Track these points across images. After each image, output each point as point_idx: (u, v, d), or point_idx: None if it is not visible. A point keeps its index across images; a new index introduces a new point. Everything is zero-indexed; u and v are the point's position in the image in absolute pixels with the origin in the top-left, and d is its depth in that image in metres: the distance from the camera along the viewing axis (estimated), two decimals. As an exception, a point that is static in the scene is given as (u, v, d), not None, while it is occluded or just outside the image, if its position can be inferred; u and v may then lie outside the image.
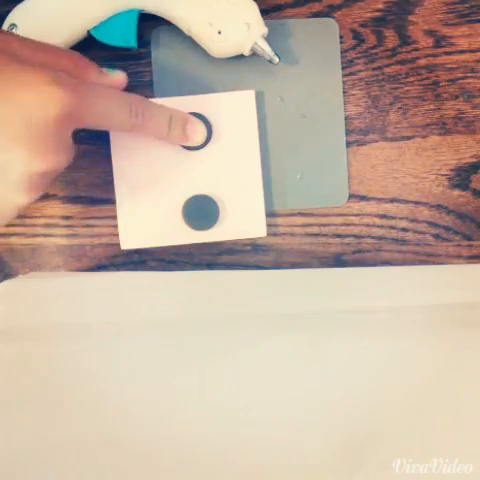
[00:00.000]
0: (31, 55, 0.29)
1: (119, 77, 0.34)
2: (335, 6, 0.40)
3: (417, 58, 0.40)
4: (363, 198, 0.41)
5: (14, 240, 0.41)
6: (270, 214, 0.40)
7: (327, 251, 0.41)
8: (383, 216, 0.41)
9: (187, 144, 0.37)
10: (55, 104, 0.26)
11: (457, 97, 0.40)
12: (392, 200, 0.41)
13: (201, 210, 0.38)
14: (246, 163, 0.39)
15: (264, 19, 0.37)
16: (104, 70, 0.34)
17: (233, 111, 0.38)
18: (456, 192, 0.41)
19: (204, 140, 0.37)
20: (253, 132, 0.39)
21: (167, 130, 0.35)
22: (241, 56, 0.38)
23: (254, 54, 0.38)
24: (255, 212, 0.39)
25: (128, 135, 0.38)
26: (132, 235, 0.39)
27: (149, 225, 0.39)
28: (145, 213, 0.39)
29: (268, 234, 0.39)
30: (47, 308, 0.35)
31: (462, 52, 0.40)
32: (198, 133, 0.37)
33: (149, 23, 0.38)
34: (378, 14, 0.40)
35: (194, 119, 0.37)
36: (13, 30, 0.35)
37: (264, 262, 0.41)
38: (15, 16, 0.36)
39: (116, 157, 0.38)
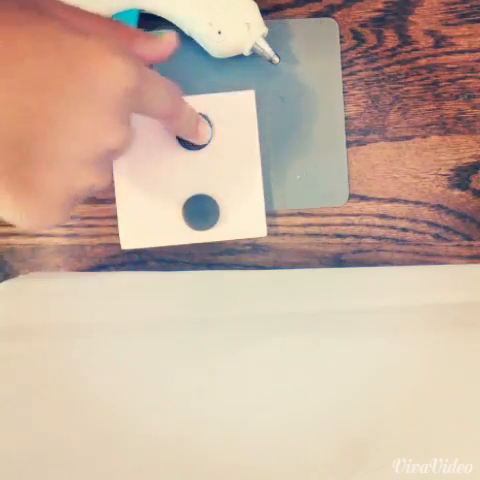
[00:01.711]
0: (78, 21, 0.25)
1: (171, 38, 0.29)
2: (335, 6, 0.40)
3: (417, 58, 0.40)
4: (363, 198, 0.41)
5: (14, 240, 0.41)
6: (270, 214, 0.40)
7: (327, 251, 0.41)
8: (383, 216, 0.41)
9: (195, 142, 0.37)
10: (123, 77, 0.24)
11: (457, 97, 0.40)
12: (392, 200, 0.41)
13: (201, 210, 0.38)
14: (246, 163, 0.39)
15: (264, 19, 0.37)
16: (152, 34, 0.29)
17: (233, 111, 0.38)
18: (456, 192, 0.41)
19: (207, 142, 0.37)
20: (253, 132, 0.39)
21: (186, 124, 0.33)
22: (241, 56, 0.38)
23: (254, 54, 0.38)
24: (255, 212, 0.39)
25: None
26: (132, 235, 0.39)
27: (149, 225, 0.39)
28: (145, 213, 0.38)
29: (268, 234, 0.39)
30: (47, 308, 0.35)
31: (462, 52, 0.40)
32: (206, 134, 0.37)
33: (149, 23, 0.38)
34: (378, 14, 0.40)
35: (204, 120, 0.37)
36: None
37: (264, 262, 0.41)
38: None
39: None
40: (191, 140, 0.37)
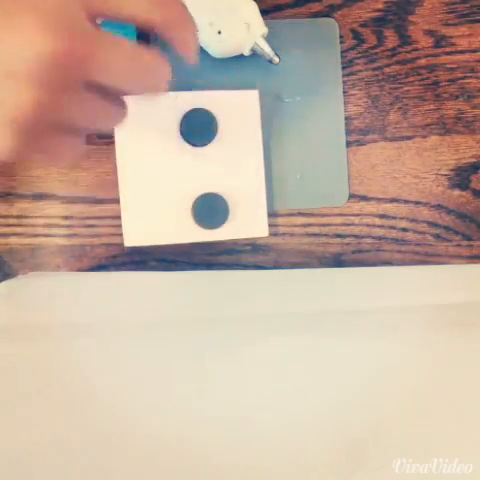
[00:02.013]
0: None
1: None
2: (335, 6, 0.40)
3: (417, 58, 0.40)
4: (363, 198, 0.41)
5: (14, 240, 0.41)
6: (270, 214, 0.40)
7: (327, 251, 0.41)
8: (383, 216, 0.41)
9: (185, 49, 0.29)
10: None
11: (457, 97, 0.40)
12: (392, 200, 0.41)
13: (212, 209, 0.38)
14: (249, 163, 0.39)
15: (264, 19, 0.37)
16: None
17: (237, 109, 0.38)
18: (456, 192, 0.41)
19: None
20: (257, 132, 0.39)
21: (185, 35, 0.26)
22: (241, 56, 0.38)
23: (254, 54, 0.38)
24: (258, 212, 0.39)
25: (132, 128, 0.37)
26: (136, 232, 0.38)
27: (153, 222, 0.38)
28: (149, 210, 0.38)
29: (268, 234, 0.39)
30: (47, 308, 0.35)
31: (462, 52, 0.40)
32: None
33: (149, 23, 0.38)
34: (378, 14, 0.40)
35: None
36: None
37: (264, 262, 0.41)
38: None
39: (120, 153, 0.38)
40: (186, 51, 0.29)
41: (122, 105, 0.26)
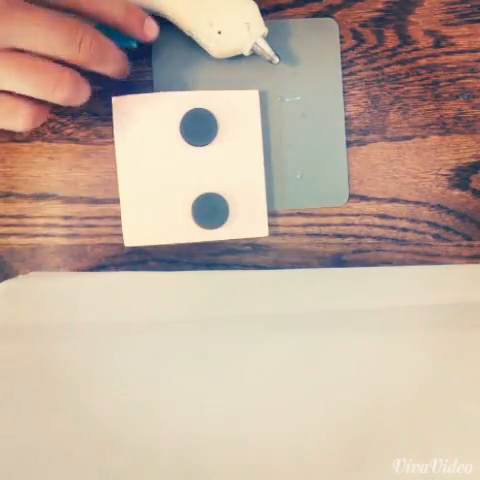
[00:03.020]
0: None
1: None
2: (335, 6, 0.40)
3: (417, 58, 0.40)
4: (363, 198, 0.41)
5: (14, 240, 0.41)
6: (270, 214, 0.40)
7: (327, 251, 0.41)
8: (383, 216, 0.41)
9: (143, 39, 0.35)
10: None
11: (457, 97, 0.40)
12: (392, 200, 0.41)
13: (211, 208, 0.38)
14: (249, 162, 0.39)
15: (264, 19, 0.37)
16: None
17: (237, 109, 0.38)
18: (456, 192, 0.41)
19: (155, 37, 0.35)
20: (257, 132, 0.39)
21: (123, 16, 0.31)
22: (241, 56, 0.38)
23: (254, 54, 0.38)
24: (257, 212, 0.39)
25: (132, 128, 0.37)
26: (136, 232, 0.39)
27: (154, 222, 0.38)
28: (150, 210, 0.38)
29: (268, 234, 0.39)
30: (47, 308, 0.35)
31: (462, 52, 0.40)
32: (153, 31, 0.35)
33: (149, 23, 0.38)
34: (378, 14, 0.40)
35: (140, 10, 0.34)
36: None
37: (264, 262, 0.41)
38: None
39: (120, 153, 0.38)
40: (138, 37, 0.35)
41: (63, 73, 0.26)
